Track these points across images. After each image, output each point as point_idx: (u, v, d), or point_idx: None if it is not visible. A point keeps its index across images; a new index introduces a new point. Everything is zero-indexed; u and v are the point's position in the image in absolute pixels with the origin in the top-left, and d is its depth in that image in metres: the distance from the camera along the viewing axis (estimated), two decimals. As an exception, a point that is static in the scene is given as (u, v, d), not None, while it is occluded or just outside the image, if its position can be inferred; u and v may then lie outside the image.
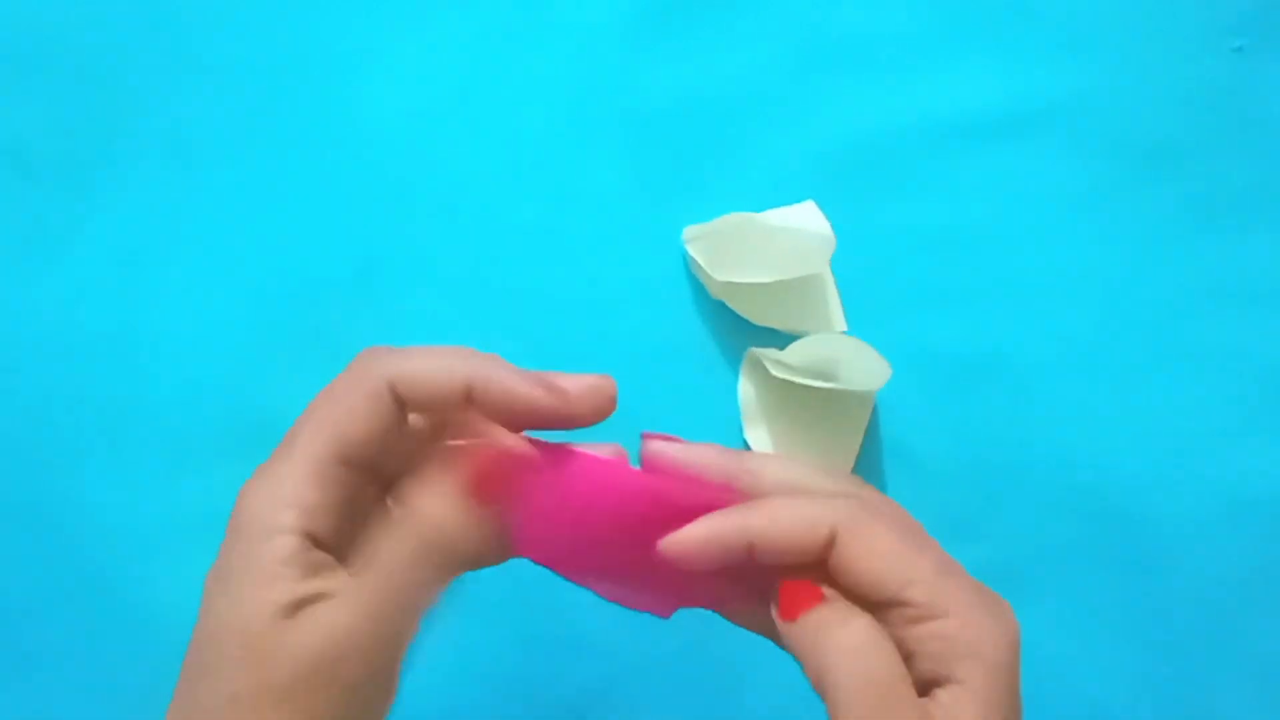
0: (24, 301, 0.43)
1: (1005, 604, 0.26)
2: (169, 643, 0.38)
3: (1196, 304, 0.41)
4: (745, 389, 0.41)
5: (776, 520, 0.26)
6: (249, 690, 0.25)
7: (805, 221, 0.41)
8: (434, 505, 0.26)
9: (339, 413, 0.26)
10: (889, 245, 0.42)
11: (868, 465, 0.41)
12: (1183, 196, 0.41)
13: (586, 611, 0.42)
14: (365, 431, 0.26)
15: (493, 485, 0.26)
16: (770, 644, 0.42)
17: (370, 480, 0.27)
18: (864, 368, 0.38)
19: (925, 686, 0.25)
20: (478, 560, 0.27)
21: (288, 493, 0.25)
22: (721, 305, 0.42)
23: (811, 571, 0.27)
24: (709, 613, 0.42)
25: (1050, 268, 0.41)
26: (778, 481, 0.27)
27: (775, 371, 0.38)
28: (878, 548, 0.26)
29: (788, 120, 0.42)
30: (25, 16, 0.44)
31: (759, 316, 0.41)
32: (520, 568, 0.42)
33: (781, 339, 0.42)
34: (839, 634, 0.26)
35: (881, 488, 0.41)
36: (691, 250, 0.41)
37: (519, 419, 0.27)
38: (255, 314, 0.43)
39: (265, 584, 0.25)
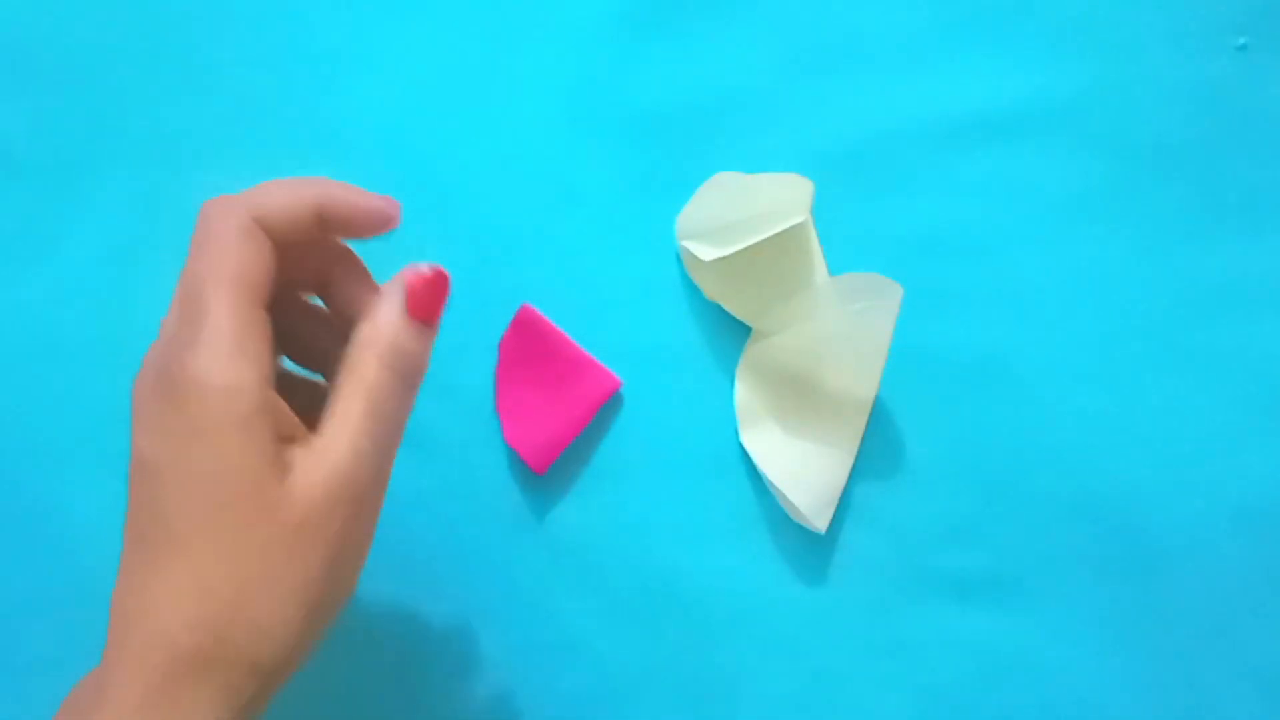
0: (9, 303, 0.43)
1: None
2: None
3: (1198, 306, 0.41)
4: (741, 392, 0.41)
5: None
6: (258, 540, 0.26)
7: (788, 181, 0.40)
8: (389, 331, 0.28)
9: (230, 260, 0.27)
10: (889, 246, 0.42)
11: (867, 467, 0.41)
12: (1185, 197, 0.41)
13: (577, 618, 0.41)
14: (261, 271, 0.27)
15: (432, 305, 0.29)
16: (762, 651, 0.42)
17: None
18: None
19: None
20: (422, 371, 0.29)
21: (230, 347, 0.26)
22: (717, 308, 0.41)
23: None
24: (702, 621, 0.42)
25: (1051, 269, 0.41)
26: None
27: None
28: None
29: (786, 120, 0.42)
30: (10, 17, 0.44)
31: (754, 318, 0.41)
32: (515, 576, 0.42)
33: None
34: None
35: (880, 491, 0.41)
36: (684, 243, 0.41)
37: (362, 230, 0.29)
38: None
39: (246, 438, 0.26)
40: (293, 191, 0.28)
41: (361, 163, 0.43)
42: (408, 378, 0.29)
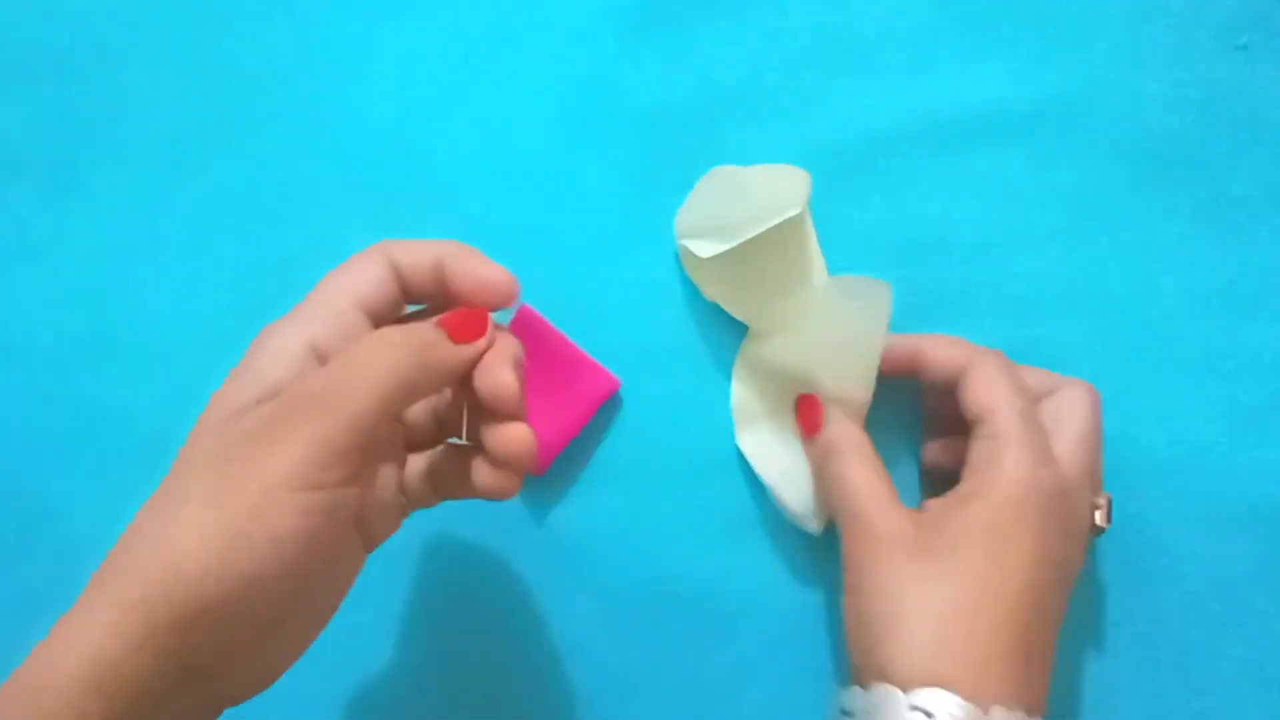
0: (5, 301, 0.43)
1: (1052, 464, 0.34)
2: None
3: (1199, 306, 0.41)
4: (737, 392, 0.41)
5: (938, 346, 0.37)
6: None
7: (785, 173, 0.40)
8: (424, 330, 0.31)
9: (347, 271, 0.32)
10: (889, 246, 0.41)
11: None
12: (1186, 196, 0.41)
13: (576, 617, 0.41)
14: (367, 282, 0.32)
15: (466, 328, 0.32)
16: (762, 655, 0.41)
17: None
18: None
19: (955, 498, 0.34)
20: (446, 380, 0.31)
21: (302, 323, 0.30)
22: (715, 308, 0.41)
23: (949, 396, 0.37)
24: (700, 621, 0.41)
25: (1051, 269, 0.41)
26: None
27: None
28: (984, 380, 0.35)
29: (786, 120, 0.42)
30: (10, 17, 0.44)
31: (753, 318, 0.41)
32: (513, 575, 0.42)
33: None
34: (839, 456, 0.37)
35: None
36: (683, 241, 0.41)
37: (476, 296, 0.32)
38: (241, 316, 0.42)
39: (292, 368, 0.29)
40: (422, 245, 0.33)
41: (361, 162, 0.43)
42: (426, 367, 0.30)
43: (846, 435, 0.37)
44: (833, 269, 0.41)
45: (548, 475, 0.42)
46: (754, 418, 0.41)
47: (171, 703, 0.27)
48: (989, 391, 0.35)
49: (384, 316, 0.32)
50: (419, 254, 0.32)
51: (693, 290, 0.42)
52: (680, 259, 0.42)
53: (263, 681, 0.30)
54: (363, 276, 0.32)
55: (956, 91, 0.42)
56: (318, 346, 0.30)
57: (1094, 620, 0.40)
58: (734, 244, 0.37)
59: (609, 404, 0.42)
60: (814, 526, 0.39)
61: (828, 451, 0.37)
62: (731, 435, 0.41)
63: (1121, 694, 0.40)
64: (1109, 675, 0.40)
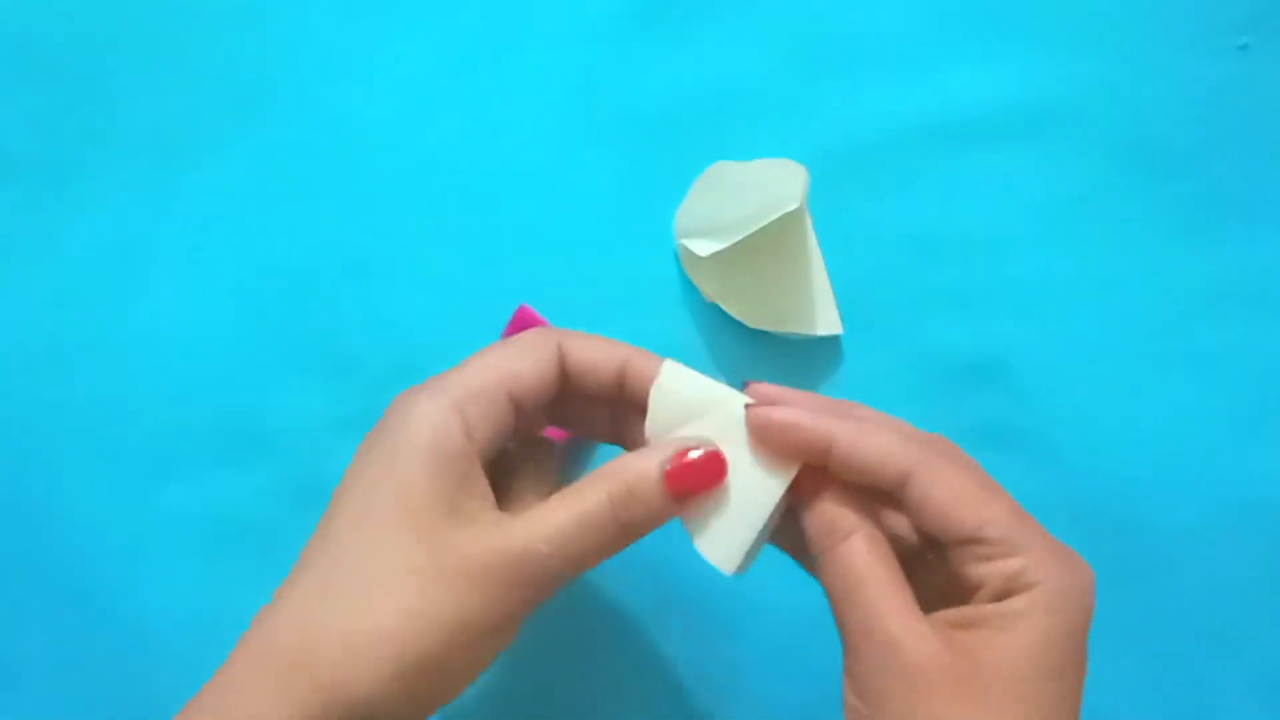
0: (4, 303, 0.43)
1: (1078, 556, 0.28)
2: (152, 648, 0.38)
3: (1199, 306, 0.40)
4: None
5: (861, 438, 0.28)
6: (400, 564, 0.27)
7: (783, 168, 0.40)
8: (634, 478, 0.29)
9: (510, 355, 0.30)
10: (888, 246, 0.41)
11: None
12: (1186, 196, 0.41)
13: (574, 618, 0.41)
14: (533, 373, 0.30)
15: (689, 485, 0.29)
16: (761, 655, 0.41)
17: (520, 426, 0.30)
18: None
19: (981, 620, 0.27)
20: (639, 532, 0.29)
21: (453, 400, 0.29)
22: (715, 308, 0.41)
23: (885, 501, 0.29)
24: (699, 622, 0.41)
25: (1051, 269, 0.41)
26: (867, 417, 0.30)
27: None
28: (955, 488, 0.28)
29: (786, 120, 0.42)
30: (8, 16, 0.43)
31: (752, 319, 0.41)
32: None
33: (775, 341, 0.41)
34: (842, 544, 0.29)
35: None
36: (682, 241, 0.41)
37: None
38: (241, 317, 0.42)
39: (432, 467, 0.28)
40: (603, 345, 0.31)
41: (360, 161, 0.43)
42: (626, 527, 0.29)
43: (853, 516, 0.29)
44: (832, 269, 0.41)
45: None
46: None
47: None
48: (968, 506, 0.28)
49: (530, 407, 0.30)
50: (601, 354, 0.31)
51: (693, 290, 0.42)
52: (680, 259, 0.42)
53: None
54: (530, 368, 0.30)
55: (957, 91, 0.42)
56: (467, 428, 0.29)
57: (1095, 625, 0.40)
58: (732, 242, 0.37)
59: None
60: (731, 570, 0.30)
61: (829, 532, 0.29)
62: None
63: (1122, 694, 0.40)
64: (1109, 676, 0.40)
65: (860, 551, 0.28)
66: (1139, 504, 0.40)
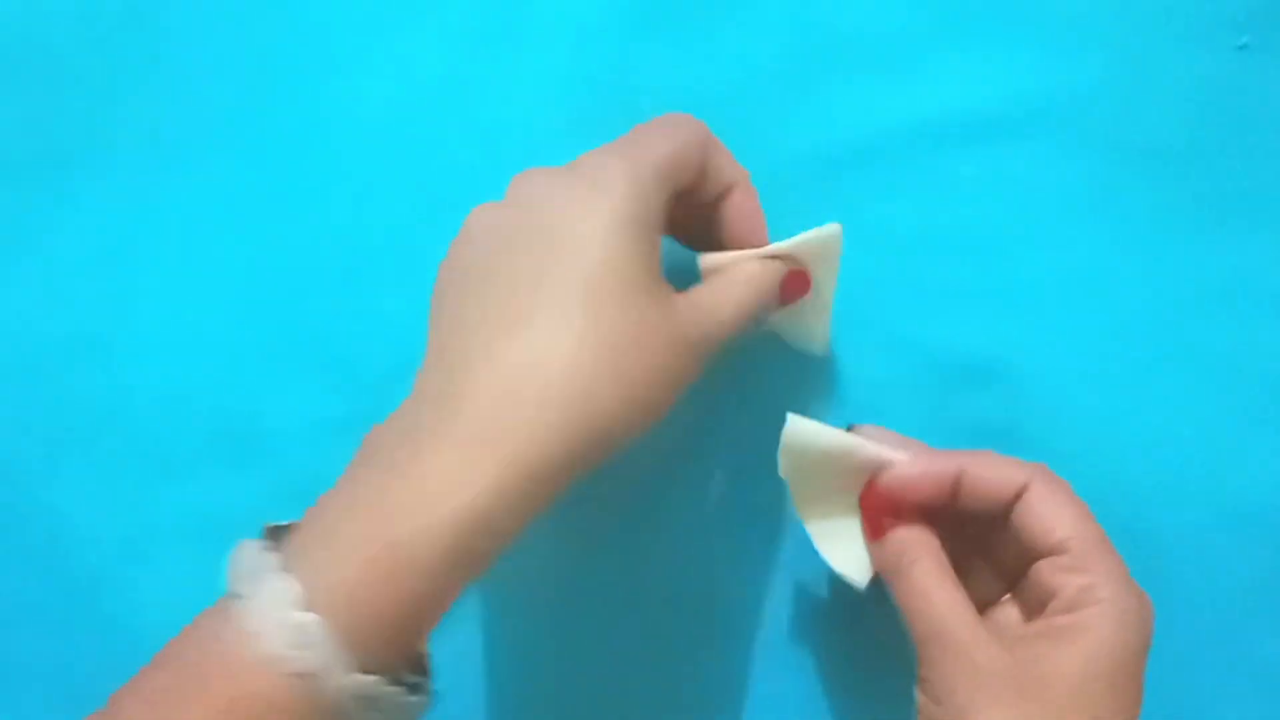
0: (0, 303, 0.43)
1: (1146, 595, 0.31)
2: (149, 649, 0.37)
3: (1199, 307, 0.40)
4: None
5: (986, 466, 0.33)
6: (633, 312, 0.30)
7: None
8: (761, 271, 0.35)
9: (668, 139, 0.33)
10: (887, 246, 0.41)
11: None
12: (1185, 197, 0.41)
13: (573, 620, 0.41)
14: (694, 157, 0.33)
15: (795, 287, 0.36)
16: (761, 657, 0.41)
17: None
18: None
19: (1050, 631, 0.31)
20: (729, 335, 0.34)
21: (637, 171, 0.31)
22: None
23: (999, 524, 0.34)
24: (698, 623, 0.41)
25: (1050, 269, 0.41)
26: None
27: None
28: (1060, 501, 0.32)
29: (786, 120, 0.42)
30: None
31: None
32: (509, 577, 0.42)
33: (777, 342, 0.41)
34: (914, 567, 0.33)
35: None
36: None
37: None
38: (237, 317, 0.42)
39: (639, 226, 0.31)
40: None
41: (359, 161, 0.43)
42: (762, 306, 0.35)
43: (920, 540, 0.34)
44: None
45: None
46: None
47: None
48: (1062, 516, 0.32)
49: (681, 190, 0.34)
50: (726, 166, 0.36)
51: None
52: (678, 261, 0.42)
53: None
54: (689, 152, 0.33)
55: (956, 91, 0.42)
56: (654, 199, 0.32)
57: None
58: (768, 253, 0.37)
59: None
60: (860, 582, 0.36)
61: (900, 556, 0.34)
62: (730, 436, 0.41)
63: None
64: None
65: (931, 573, 0.32)
66: (1139, 504, 0.40)
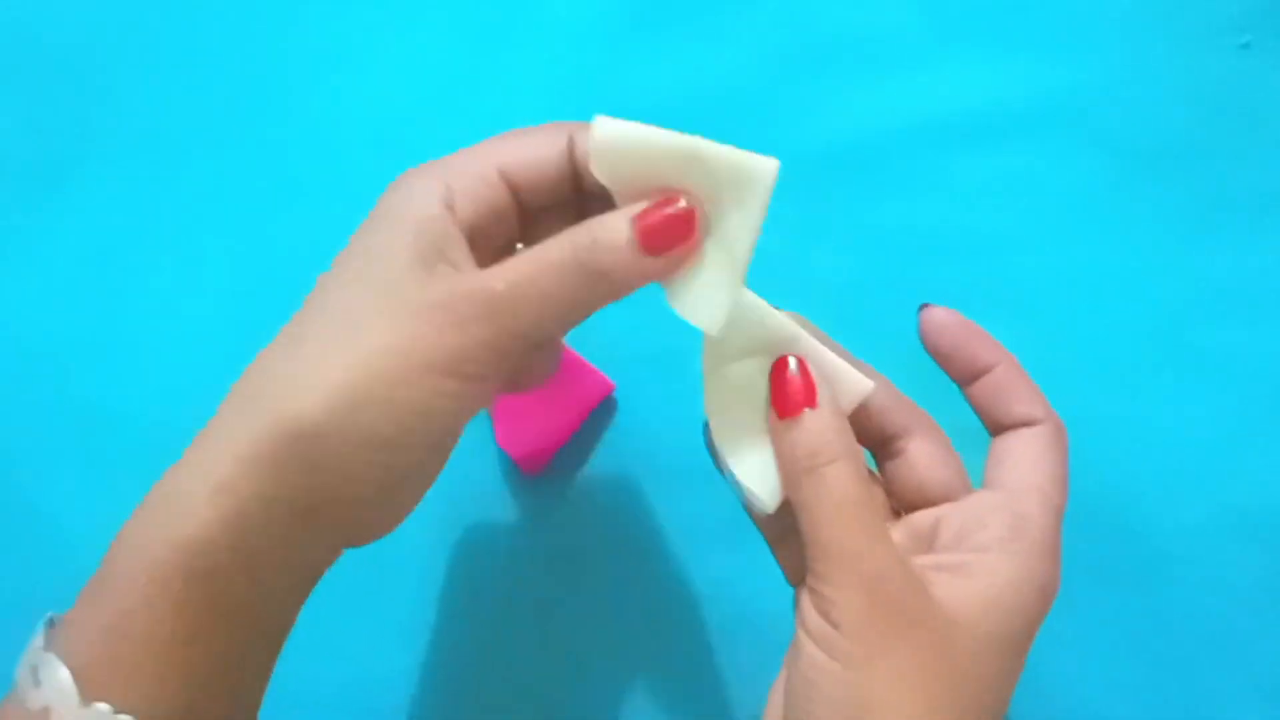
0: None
1: (1057, 565, 0.30)
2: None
3: (1200, 307, 0.40)
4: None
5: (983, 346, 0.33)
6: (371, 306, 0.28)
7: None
8: (600, 229, 0.28)
9: (510, 138, 0.30)
10: (887, 246, 0.41)
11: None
12: (1187, 196, 0.41)
13: (571, 621, 0.41)
14: (532, 155, 0.30)
15: (669, 235, 0.27)
16: (760, 658, 0.41)
17: (517, 208, 0.30)
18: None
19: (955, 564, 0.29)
20: (605, 299, 0.28)
21: (440, 174, 0.30)
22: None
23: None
24: (697, 624, 0.41)
25: (1050, 269, 0.41)
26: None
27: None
28: (1038, 448, 0.31)
29: (786, 120, 0.42)
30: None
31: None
32: (507, 578, 0.42)
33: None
34: (832, 464, 0.29)
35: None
36: None
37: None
38: (233, 317, 0.42)
39: (409, 231, 0.29)
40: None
41: (358, 161, 0.43)
42: (593, 274, 0.28)
43: (843, 435, 0.29)
44: (831, 268, 0.40)
45: (542, 478, 0.42)
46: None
47: (294, 536, 0.28)
48: (1040, 465, 0.31)
49: (531, 191, 0.30)
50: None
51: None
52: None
53: (381, 530, 0.30)
54: (530, 150, 0.30)
55: (956, 91, 0.42)
56: (449, 198, 0.29)
57: (1095, 621, 0.40)
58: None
59: (604, 407, 0.41)
60: (769, 504, 0.30)
61: (815, 455, 0.29)
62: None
63: (1122, 695, 0.40)
64: (1109, 677, 0.40)
65: (853, 479, 0.28)
66: (1139, 504, 0.40)
